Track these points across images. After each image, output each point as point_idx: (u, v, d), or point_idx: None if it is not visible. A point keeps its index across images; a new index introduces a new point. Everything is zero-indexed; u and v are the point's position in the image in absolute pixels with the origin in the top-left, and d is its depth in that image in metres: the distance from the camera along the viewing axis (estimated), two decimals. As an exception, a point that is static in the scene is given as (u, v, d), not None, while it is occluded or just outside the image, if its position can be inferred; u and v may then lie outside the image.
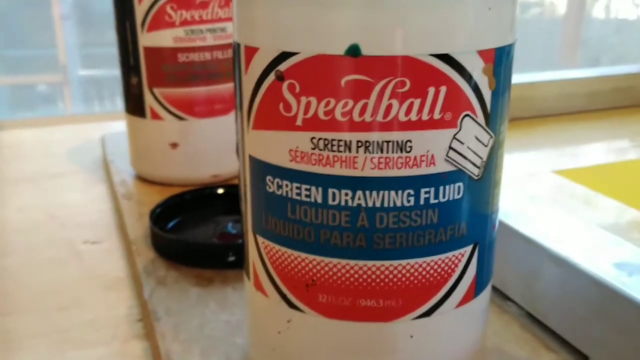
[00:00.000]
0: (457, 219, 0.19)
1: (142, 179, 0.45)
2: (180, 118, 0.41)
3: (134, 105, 0.42)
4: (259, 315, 0.22)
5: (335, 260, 0.19)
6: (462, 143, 0.18)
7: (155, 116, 0.41)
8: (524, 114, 0.58)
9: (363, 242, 0.18)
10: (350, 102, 0.17)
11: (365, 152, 0.17)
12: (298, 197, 0.19)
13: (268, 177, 0.19)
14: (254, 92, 0.19)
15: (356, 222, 0.18)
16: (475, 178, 0.19)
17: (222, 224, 0.37)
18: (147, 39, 0.40)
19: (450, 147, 0.18)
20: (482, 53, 0.18)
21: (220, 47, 0.41)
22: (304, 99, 0.18)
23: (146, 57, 0.40)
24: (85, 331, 0.30)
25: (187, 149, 0.42)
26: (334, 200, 0.18)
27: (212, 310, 0.28)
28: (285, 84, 0.18)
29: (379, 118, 0.17)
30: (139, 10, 0.39)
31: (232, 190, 0.39)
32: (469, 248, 0.19)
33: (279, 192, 0.19)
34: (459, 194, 0.19)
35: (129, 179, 0.45)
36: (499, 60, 0.18)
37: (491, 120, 0.19)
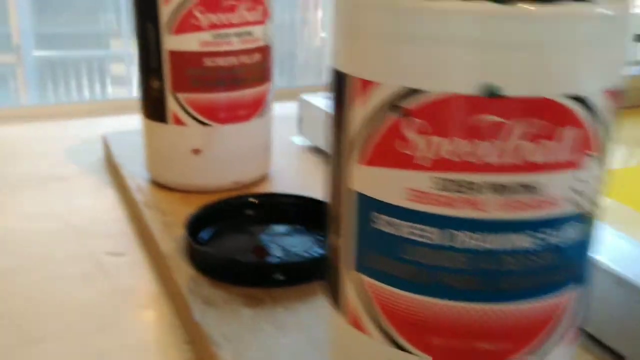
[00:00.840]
0: (576, 259, 0.18)
1: (158, 184, 0.43)
2: (203, 124, 0.40)
3: (154, 110, 0.41)
4: (352, 353, 0.21)
5: (451, 303, 0.18)
6: (586, 183, 0.18)
7: (178, 121, 0.40)
8: None
9: (483, 285, 0.18)
10: (480, 143, 0.16)
11: (492, 194, 0.17)
12: (414, 237, 0.18)
13: (377, 215, 0.18)
14: (366, 126, 0.18)
15: (478, 265, 0.18)
16: (593, 218, 0.18)
17: (255, 234, 0.36)
18: (172, 42, 0.38)
19: (574, 188, 0.17)
20: (609, 93, 0.17)
21: (247, 51, 0.39)
22: (428, 138, 0.17)
23: (170, 61, 0.38)
24: (130, 356, 0.29)
25: (209, 155, 0.41)
26: (455, 242, 0.17)
27: (268, 334, 0.27)
28: (408, 122, 0.17)
29: (509, 159, 0.17)
30: (165, 12, 0.37)
31: (264, 199, 0.38)
32: (579, 287, 0.19)
33: (391, 231, 0.18)
34: (579, 234, 0.18)
35: (144, 185, 0.43)
36: (617, 98, 0.18)
37: (607, 158, 0.18)
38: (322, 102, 0.50)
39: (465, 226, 0.17)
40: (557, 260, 0.18)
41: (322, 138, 0.50)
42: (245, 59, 0.40)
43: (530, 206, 0.17)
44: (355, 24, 0.18)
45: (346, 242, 0.20)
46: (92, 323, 0.31)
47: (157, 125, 0.41)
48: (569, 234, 0.18)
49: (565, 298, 0.19)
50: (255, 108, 0.41)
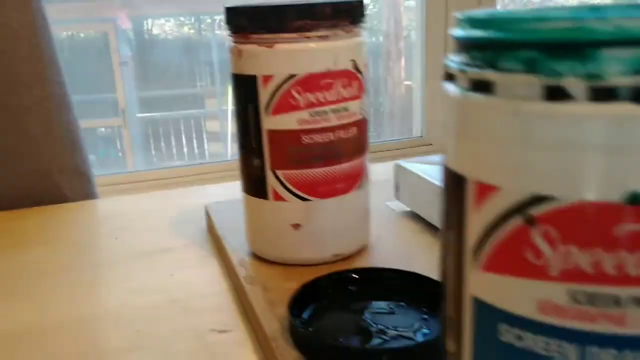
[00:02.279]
0: None
1: (259, 257, 0.43)
2: (303, 199, 0.40)
3: (255, 187, 0.41)
4: None
5: None
6: None
7: (278, 197, 0.40)
8: None
9: (628, 408, 0.16)
10: (625, 254, 0.15)
11: (637, 309, 0.15)
12: (546, 353, 0.16)
13: (504, 326, 0.17)
14: (488, 231, 0.17)
15: (621, 385, 0.16)
16: None
17: (359, 313, 0.35)
18: (271, 122, 0.39)
19: None
20: None
21: (343, 126, 0.39)
22: (562, 248, 0.16)
23: (270, 140, 0.39)
24: None
25: (309, 229, 0.41)
26: (592, 359, 0.16)
27: None
28: (537, 230, 0.16)
29: (656, 271, 0.15)
30: (264, 94, 0.38)
31: (366, 274, 0.37)
32: None
33: (519, 344, 0.17)
34: None
35: (246, 258, 0.44)
36: None
37: None
38: (419, 168, 0.49)
39: (606, 343, 0.16)
40: None
41: (421, 205, 0.49)
42: (342, 134, 0.40)
43: (680, 320, 0.15)
44: (471, 126, 0.17)
45: (461, 349, 0.19)
46: (200, 409, 0.31)
47: (257, 201, 0.41)
48: None
49: None
50: (354, 181, 0.41)
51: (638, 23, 0.14)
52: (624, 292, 0.15)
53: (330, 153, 0.40)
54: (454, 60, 0.18)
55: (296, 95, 0.38)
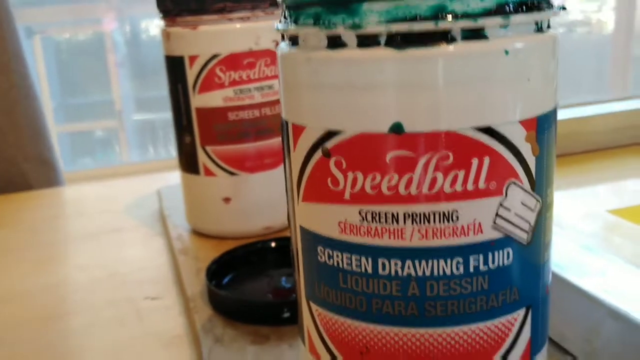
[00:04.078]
0: (508, 284, 0.19)
1: (197, 233, 0.46)
2: (232, 174, 0.43)
3: (188, 163, 0.44)
4: (315, 380, 0.22)
5: (388, 328, 0.19)
6: (508, 210, 0.18)
7: (209, 173, 0.43)
8: (574, 149, 0.57)
9: (415, 310, 0.19)
10: (396, 177, 0.18)
11: (412, 224, 0.18)
12: (349, 267, 0.19)
13: (319, 247, 0.20)
14: (302, 166, 0.20)
15: (407, 291, 0.19)
16: (525, 243, 0.19)
17: (275, 277, 0.38)
18: (198, 100, 0.41)
19: (497, 215, 0.18)
20: (524, 122, 0.18)
21: (268, 103, 0.42)
22: (350, 174, 0.18)
23: (198, 117, 0.42)
24: (148, 390, 0.31)
25: (239, 203, 0.43)
26: (384, 270, 0.19)
27: (269, 369, 0.29)
28: (332, 160, 0.19)
29: (425, 190, 0.18)
30: (190, 74, 0.41)
31: (283, 242, 0.40)
32: (521, 312, 0.20)
33: (330, 262, 0.20)
34: (508, 259, 0.19)
35: (185, 234, 0.47)
36: (542, 127, 0.18)
37: (537, 184, 0.19)
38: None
39: (392, 255, 0.18)
40: (490, 285, 0.19)
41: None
42: (267, 111, 0.42)
43: (452, 234, 0.18)
44: (286, 76, 0.20)
45: (299, 274, 0.21)
46: (119, 361, 0.34)
47: (191, 177, 0.44)
48: (500, 260, 0.19)
49: (507, 322, 0.19)
50: (281, 155, 0.44)
51: (391, -22, 0.17)
52: (401, 209, 0.18)
53: (256, 129, 0.42)
54: (280, 22, 0.20)
55: (220, 74, 0.41)
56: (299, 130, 0.19)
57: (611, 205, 0.46)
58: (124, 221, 0.55)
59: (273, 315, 0.32)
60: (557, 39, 0.19)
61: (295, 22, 0.19)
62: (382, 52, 0.17)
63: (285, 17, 0.20)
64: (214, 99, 0.41)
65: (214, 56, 0.40)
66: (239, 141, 0.42)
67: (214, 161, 0.43)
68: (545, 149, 0.19)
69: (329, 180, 0.19)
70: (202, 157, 0.43)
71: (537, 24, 0.18)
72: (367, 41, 0.17)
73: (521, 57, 0.17)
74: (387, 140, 0.17)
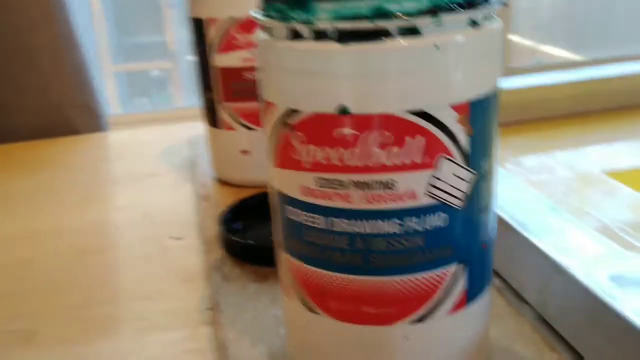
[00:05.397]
0: (441, 242, 0.22)
1: (220, 181, 0.51)
2: (249, 128, 0.47)
3: (211, 117, 0.48)
4: (288, 314, 0.26)
5: (340, 275, 0.23)
6: (440, 180, 0.21)
7: (228, 127, 0.47)
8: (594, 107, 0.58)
9: (360, 261, 0.22)
10: (343, 150, 0.21)
11: (357, 190, 0.21)
12: (309, 224, 0.23)
13: (287, 206, 0.24)
14: (273, 137, 0.23)
15: (354, 245, 0.22)
16: (458, 208, 0.22)
17: (283, 224, 0.42)
18: (218, 60, 0.45)
19: (430, 184, 0.21)
20: (456, 107, 0.21)
21: (283, 64, 0.45)
22: (308, 147, 0.22)
23: (218, 76, 0.46)
24: (164, 318, 0.36)
25: (256, 155, 0.47)
26: (335, 227, 0.22)
27: (264, 305, 0.33)
28: (293, 135, 0.22)
29: (367, 163, 0.21)
30: (210, 35, 0.44)
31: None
32: (455, 265, 0.23)
33: (295, 219, 0.23)
34: (442, 222, 0.22)
35: (209, 181, 0.51)
36: (474, 110, 0.21)
37: (471, 159, 0.22)
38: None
39: (341, 215, 0.22)
40: (425, 243, 0.22)
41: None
42: (282, 71, 0.45)
43: (390, 199, 0.21)
44: (260, 59, 0.23)
45: (276, 229, 0.25)
46: (142, 292, 0.39)
47: (214, 130, 0.48)
48: (433, 222, 0.22)
49: (439, 275, 0.23)
50: (295, 113, 0.47)
51: (338, -17, 0.20)
52: (347, 177, 0.21)
53: (271, 88, 0.46)
54: (255, 11, 0.24)
55: (238, 36, 0.44)
56: (270, 106, 0.23)
57: (616, 166, 0.48)
58: (158, 166, 0.60)
59: (272, 258, 0.36)
60: (495, 31, 0.22)
61: (266, 14, 0.22)
62: (330, 46, 0.20)
63: (258, 8, 0.23)
64: (232, 59, 0.45)
65: (232, 19, 0.43)
66: (255, 99, 0.46)
67: (232, 117, 0.46)
68: (480, 128, 0.22)
69: (291, 151, 0.22)
70: (222, 113, 0.47)
71: (471, 19, 0.21)
72: (319, 35, 0.20)
73: (452, 51, 0.20)
74: (335, 120, 0.21)
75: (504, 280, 0.33)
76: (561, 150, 0.51)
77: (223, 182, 0.50)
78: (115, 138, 0.72)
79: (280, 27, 0.21)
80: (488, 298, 0.25)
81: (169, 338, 0.34)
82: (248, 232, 0.41)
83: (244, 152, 0.47)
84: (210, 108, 0.48)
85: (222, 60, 0.45)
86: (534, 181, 0.46)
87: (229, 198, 0.47)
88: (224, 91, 0.46)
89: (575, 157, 0.50)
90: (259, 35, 0.23)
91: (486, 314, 0.26)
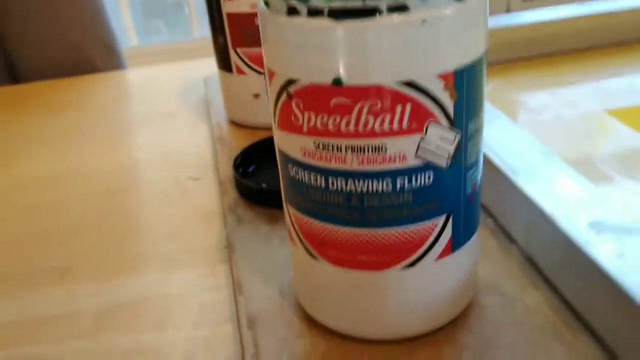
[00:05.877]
0: (429, 198, 0.25)
1: (233, 122, 0.53)
2: (259, 73, 0.48)
3: (223, 62, 0.50)
4: (294, 258, 0.29)
5: (338, 227, 0.25)
6: (428, 142, 0.24)
7: (240, 71, 0.49)
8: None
9: (356, 216, 0.25)
10: (338, 117, 0.23)
11: (352, 153, 0.24)
12: (309, 182, 0.25)
13: (289, 165, 0.26)
14: (275, 102, 0.25)
15: (350, 202, 0.25)
16: (444, 167, 0.24)
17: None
18: (229, 6, 0.46)
19: (419, 147, 0.24)
20: (442, 76, 0.23)
21: (292, 9, 0.46)
22: (306, 114, 0.24)
23: (229, 21, 0.47)
24: (185, 256, 0.39)
25: (266, 99, 0.49)
26: (333, 185, 0.25)
27: (274, 245, 0.36)
28: (293, 102, 0.24)
29: (360, 129, 0.23)
30: (221, -18, 0.45)
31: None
32: (441, 218, 0.25)
33: (297, 177, 0.26)
34: (429, 180, 0.24)
35: (223, 122, 0.53)
36: (459, 78, 0.23)
37: (456, 122, 0.24)
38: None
39: (338, 175, 0.24)
40: (414, 199, 0.24)
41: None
42: (291, 16, 0.47)
43: (383, 161, 0.24)
44: (262, 30, 0.25)
45: (283, 183, 0.28)
46: (165, 231, 0.42)
47: (226, 74, 0.50)
48: (422, 181, 0.24)
49: (427, 227, 0.25)
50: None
51: (331, -36, 0.21)
52: (343, 142, 0.24)
53: (281, 33, 0.47)
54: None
55: (247, -18, 0.45)
56: (272, 73, 0.25)
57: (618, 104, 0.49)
58: (176, 106, 0.62)
59: (281, 201, 0.39)
60: (481, 2, 0.23)
61: (266, -11, 0.24)
62: (324, 22, 0.22)
63: (260, -20, 0.24)
64: (242, 5, 0.46)
65: (240, -35, 0.44)
66: (266, 43, 0.47)
67: (244, 61, 0.48)
68: (464, 93, 0.24)
69: (292, 116, 0.24)
70: (234, 57, 0.48)
71: (457, -6, 0.22)
72: (314, 12, 0.22)
73: (438, 25, 0.22)
74: (331, 90, 0.23)
75: (495, 220, 0.36)
76: (565, 87, 0.52)
77: (236, 124, 0.53)
78: (134, 76, 0.74)
79: (278, 1, 0.23)
80: (475, 244, 0.28)
81: (190, 275, 0.38)
82: (260, 175, 0.44)
83: (256, 95, 0.49)
84: (221, 52, 0.49)
85: (232, 6, 0.46)
86: (536, 120, 0.48)
87: (242, 140, 0.50)
88: (235, 37, 0.47)
89: (578, 95, 0.51)
90: (261, 6, 0.25)
91: (473, 258, 0.28)
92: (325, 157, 0.24)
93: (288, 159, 0.26)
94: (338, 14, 0.21)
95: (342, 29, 0.22)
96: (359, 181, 0.24)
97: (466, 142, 0.25)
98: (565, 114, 0.48)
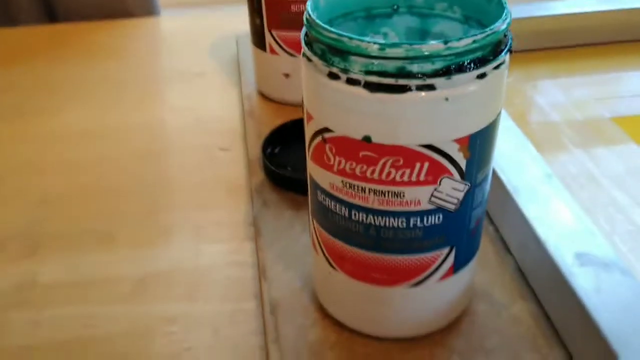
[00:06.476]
0: (436, 234, 0.29)
1: (263, 95, 0.56)
2: (291, 55, 0.51)
3: (258, 40, 0.52)
4: (315, 262, 0.34)
5: (355, 249, 0.30)
6: (441, 192, 0.27)
7: (273, 51, 0.51)
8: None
9: (372, 243, 0.29)
10: (365, 166, 0.27)
11: (374, 195, 0.27)
12: (334, 210, 0.29)
13: (318, 192, 0.30)
14: (310, 140, 0.29)
15: (368, 232, 0.29)
16: (452, 211, 0.28)
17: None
18: (268, -9, 0.48)
19: (432, 195, 0.27)
20: (458, 140, 0.26)
21: (327, -2, 0.48)
22: (337, 157, 0.27)
23: (267, 4, 0.49)
24: (214, 229, 0.44)
25: (296, 79, 0.52)
26: (355, 217, 0.29)
27: (296, 232, 0.41)
28: (327, 146, 0.28)
29: (383, 177, 0.27)
30: (261, -34, 0.47)
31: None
32: (446, 249, 0.29)
33: (324, 203, 0.30)
34: (438, 220, 0.28)
35: (253, 94, 0.57)
36: (473, 140, 0.26)
37: (466, 175, 0.27)
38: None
39: (359, 209, 0.28)
40: (423, 234, 0.28)
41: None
42: (325, 5, 0.49)
43: (400, 204, 0.27)
44: (303, 76, 0.28)
45: (310, 201, 0.32)
46: (195, 202, 0.46)
47: (260, 52, 0.53)
48: (431, 220, 0.28)
49: (433, 256, 0.29)
50: (335, 42, 0.51)
51: (372, 47, 0.24)
52: (367, 185, 0.27)
53: (314, 20, 0.49)
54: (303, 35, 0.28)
55: (287, -31, 0.47)
56: (309, 116, 0.28)
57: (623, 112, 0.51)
58: (208, 64, 0.65)
59: (305, 188, 0.43)
60: (500, 76, 0.26)
61: (310, 48, 0.27)
62: (360, 91, 0.25)
63: (306, 35, 0.27)
64: (281, -10, 0.48)
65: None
66: (299, 29, 0.49)
67: (277, 43, 0.51)
68: (476, 152, 0.27)
69: (324, 156, 0.28)
70: (268, 38, 0.51)
71: (480, 74, 0.25)
72: (352, 81, 0.25)
73: (459, 101, 0.25)
74: (361, 145, 0.26)
75: (496, 229, 0.40)
76: (579, 87, 0.55)
77: (265, 98, 0.56)
78: (167, 25, 0.76)
79: (321, 65, 0.26)
80: (473, 266, 0.32)
81: (218, 249, 0.42)
82: (287, 155, 0.48)
83: (286, 75, 0.52)
84: (257, 32, 0.52)
85: (271, -9, 0.48)
86: (545, 122, 0.51)
87: (271, 115, 0.53)
88: (271, 19, 0.50)
89: (588, 98, 0.53)
90: (305, 58, 0.28)
91: (472, 275, 0.33)
92: (350, 194, 0.28)
93: (318, 187, 0.30)
94: (373, 87, 0.25)
95: (375, 99, 0.25)
96: (377, 217, 0.28)
97: (474, 189, 0.28)
98: (573, 118, 0.50)
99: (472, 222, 0.30)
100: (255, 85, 0.57)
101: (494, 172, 0.38)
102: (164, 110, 0.58)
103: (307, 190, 0.32)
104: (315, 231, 0.32)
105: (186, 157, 0.52)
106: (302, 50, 0.28)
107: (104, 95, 0.61)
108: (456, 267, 0.31)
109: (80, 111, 0.59)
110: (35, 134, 0.55)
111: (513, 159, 0.40)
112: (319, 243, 0.32)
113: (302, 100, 0.29)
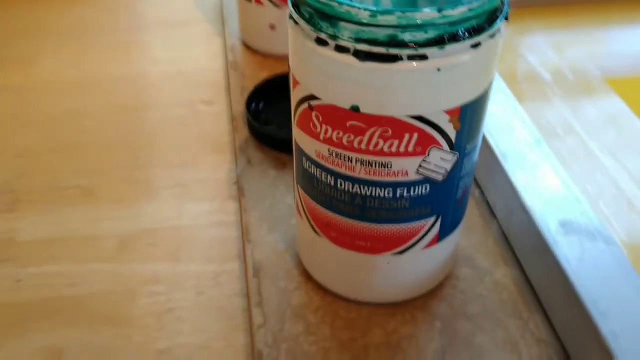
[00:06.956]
0: (423, 204, 0.28)
1: (247, 46, 0.54)
2: (276, 5, 0.49)
3: (242, -11, 0.50)
4: (299, 227, 0.33)
5: (341, 217, 0.29)
6: (428, 163, 0.27)
7: (258, 2, 0.50)
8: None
9: (357, 212, 0.29)
10: (352, 136, 0.26)
11: (360, 165, 0.27)
12: (320, 178, 0.29)
13: (303, 158, 0.29)
14: (296, 106, 0.28)
15: (354, 201, 0.28)
16: (440, 181, 0.28)
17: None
18: (252, -61, 0.46)
19: (420, 166, 0.27)
20: (448, 111, 0.25)
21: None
22: (324, 126, 0.27)
23: (251, -47, 0.47)
24: (197, 187, 0.43)
25: (281, 30, 0.51)
26: (340, 186, 0.28)
27: (281, 192, 0.40)
28: (313, 113, 0.27)
29: (370, 148, 0.26)
30: None
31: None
32: (432, 218, 0.29)
33: (309, 171, 0.29)
34: (425, 191, 0.28)
35: (237, 45, 0.55)
36: (464, 111, 0.26)
37: (456, 145, 0.27)
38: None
39: (345, 179, 0.28)
40: (410, 204, 0.28)
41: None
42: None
43: (387, 175, 0.27)
44: (290, 41, 0.27)
45: (295, 167, 0.31)
46: (178, 159, 0.46)
47: (245, 2, 0.51)
48: (418, 191, 0.28)
49: (419, 225, 0.29)
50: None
51: (363, 14, 0.23)
52: (354, 155, 0.27)
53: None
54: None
55: None
56: (296, 81, 0.27)
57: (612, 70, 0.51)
58: (190, 12, 0.63)
59: (290, 147, 0.42)
60: (494, 45, 0.25)
61: (297, 10, 0.25)
62: (349, 59, 0.24)
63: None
64: (266, -61, 0.46)
65: None
66: (286, -22, 0.48)
67: (262, -7, 0.49)
68: (467, 123, 0.26)
69: (311, 123, 0.27)
70: (253, -12, 0.49)
71: (474, 43, 0.24)
72: (341, 48, 0.24)
73: (451, 71, 0.24)
74: (348, 114, 0.25)
75: (482, 192, 0.40)
76: (572, 48, 0.54)
77: (249, 48, 0.54)
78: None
79: (309, 29, 0.25)
80: (459, 232, 0.32)
81: (201, 208, 0.42)
82: (271, 112, 0.47)
83: (271, 26, 0.50)
84: (241, -20, 0.50)
85: (256, -61, 0.46)
86: (534, 79, 0.50)
87: (255, 68, 0.52)
88: (256, -31, 0.48)
89: (581, 57, 0.53)
90: (291, 21, 0.26)
91: (456, 243, 0.33)
92: (337, 163, 0.27)
93: (303, 154, 0.29)
94: (362, 55, 0.24)
95: (364, 68, 0.24)
96: (363, 186, 0.28)
97: (462, 159, 0.28)
98: (565, 79, 0.50)
99: (459, 191, 0.29)
100: (239, 35, 0.55)
101: (483, 136, 0.38)
102: (146, 61, 0.57)
103: (292, 152, 0.31)
104: (300, 197, 0.32)
105: (168, 110, 0.50)
106: (289, 12, 0.26)
107: (82, 43, 0.59)
108: (441, 236, 0.30)
109: (58, 60, 0.57)
110: (11, 85, 0.54)
111: (503, 123, 0.39)
112: (303, 209, 0.31)
113: (289, 62, 0.28)
